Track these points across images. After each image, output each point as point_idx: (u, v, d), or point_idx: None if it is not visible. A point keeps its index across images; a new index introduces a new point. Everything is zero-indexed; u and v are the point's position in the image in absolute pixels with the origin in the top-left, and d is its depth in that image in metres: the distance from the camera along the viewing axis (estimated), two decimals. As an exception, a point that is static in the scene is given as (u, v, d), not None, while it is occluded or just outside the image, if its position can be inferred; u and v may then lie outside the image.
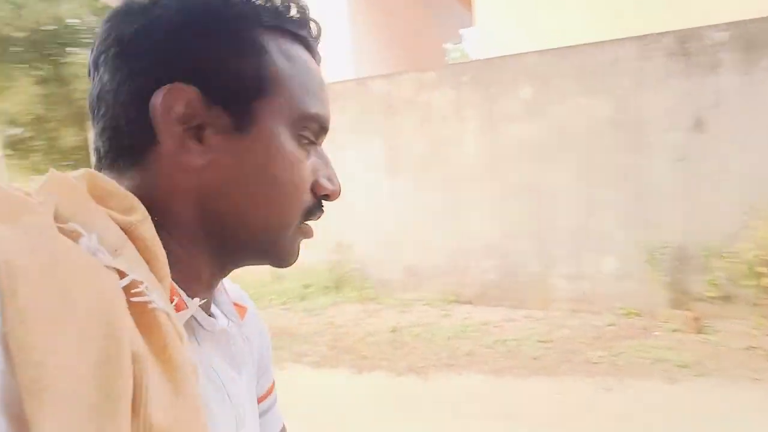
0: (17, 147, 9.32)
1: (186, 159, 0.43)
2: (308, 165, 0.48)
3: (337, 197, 0.52)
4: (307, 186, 0.49)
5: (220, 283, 0.52)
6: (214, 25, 0.43)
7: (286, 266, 0.51)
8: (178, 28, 0.43)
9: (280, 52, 0.46)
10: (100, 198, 0.37)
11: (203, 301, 0.45)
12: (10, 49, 8.71)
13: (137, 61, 0.43)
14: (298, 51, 0.48)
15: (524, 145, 5.05)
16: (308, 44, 0.50)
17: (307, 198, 0.49)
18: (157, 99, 0.41)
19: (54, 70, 8.98)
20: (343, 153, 5.90)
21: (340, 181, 0.52)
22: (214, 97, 0.43)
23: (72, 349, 0.27)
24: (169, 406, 0.31)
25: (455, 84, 5.40)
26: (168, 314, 0.33)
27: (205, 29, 0.43)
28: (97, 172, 0.40)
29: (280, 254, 0.50)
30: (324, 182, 0.50)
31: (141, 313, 0.32)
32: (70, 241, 0.31)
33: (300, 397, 3.50)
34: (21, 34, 8.83)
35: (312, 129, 0.49)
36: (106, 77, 0.44)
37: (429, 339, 4.33)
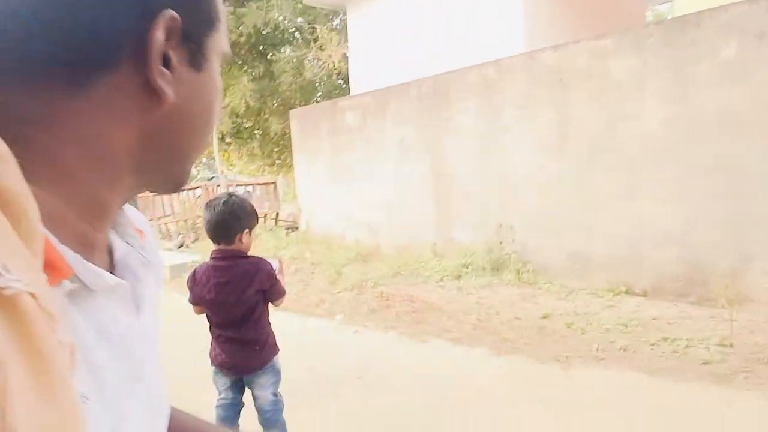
0: (238, 135, 11.06)
1: (162, 88, 0.39)
2: None
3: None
4: None
5: None
6: None
7: (175, 192, 0.52)
8: None
9: None
10: None
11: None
12: (235, 52, 10.33)
13: None
14: None
15: (719, 116, 4.26)
16: None
17: None
18: (153, 21, 0.38)
19: (266, 68, 10.38)
20: (508, 133, 5.71)
21: None
22: (184, 27, 0.41)
23: None
24: (37, 411, 0.26)
25: (637, 49, 4.78)
26: (33, 294, 0.27)
27: None
28: None
29: (183, 182, 0.50)
30: None
31: None
32: None
33: (437, 371, 3.55)
34: (242, 39, 10.39)
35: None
36: None
37: (582, 329, 3.98)
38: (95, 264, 0.38)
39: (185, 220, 10.11)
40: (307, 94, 10.29)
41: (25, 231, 0.28)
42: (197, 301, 2.25)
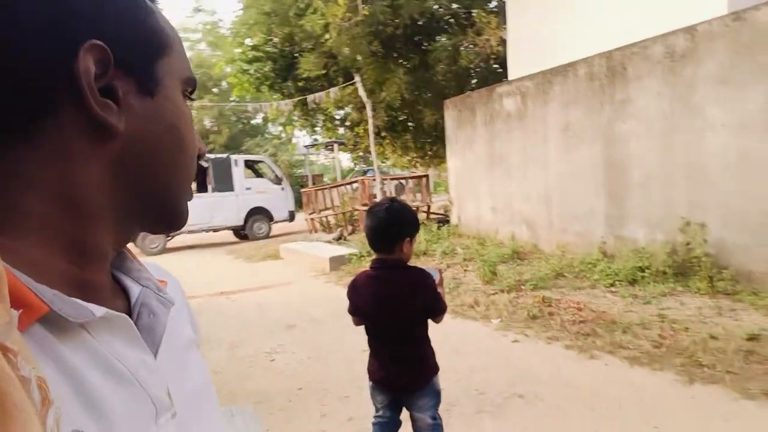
0: (392, 129, 11.16)
1: (110, 123, 0.39)
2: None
3: (203, 158, 0.52)
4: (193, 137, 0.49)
5: (126, 254, 0.51)
6: None
7: (177, 230, 0.51)
8: None
9: (158, 12, 0.46)
10: None
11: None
12: (390, 45, 10.38)
13: (33, 14, 0.37)
14: (160, 11, 0.47)
15: None
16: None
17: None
18: (76, 57, 0.37)
19: (421, 59, 10.28)
20: (701, 113, 4.81)
21: None
22: (119, 57, 0.40)
23: None
24: None
25: None
26: None
27: None
28: None
29: (179, 217, 0.49)
30: (199, 144, 0.51)
31: None
32: None
33: (611, 393, 3.07)
34: (398, 32, 10.41)
35: (188, 91, 0.49)
36: None
37: (808, 359, 3.15)
38: (99, 304, 0.39)
39: (343, 213, 10.52)
40: (462, 82, 9.97)
41: None
42: (356, 311, 2.14)
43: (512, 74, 7.99)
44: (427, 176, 10.40)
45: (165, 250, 12.15)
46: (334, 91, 9.97)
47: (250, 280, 7.70)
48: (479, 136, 8.19)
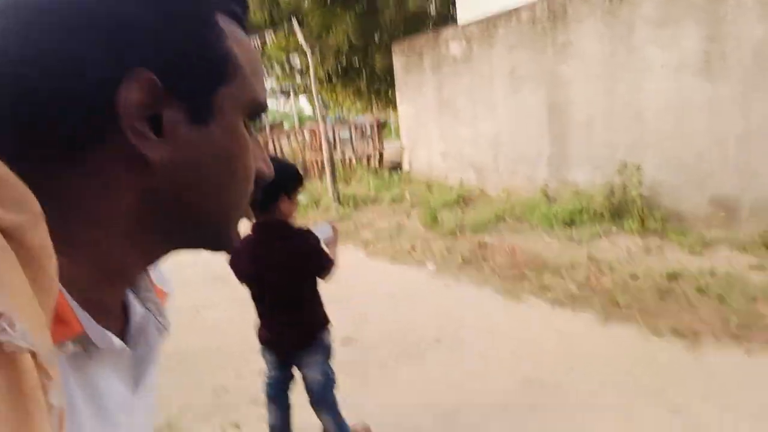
0: (346, 74, 10.78)
1: (143, 153, 0.38)
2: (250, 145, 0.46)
3: (270, 178, 0.49)
4: (252, 165, 0.46)
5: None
6: (174, 5, 0.39)
7: (225, 251, 0.49)
8: (135, 4, 0.37)
9: (231, 35, 0.43)
10: None
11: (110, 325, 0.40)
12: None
13: (79, 33, 0.36)
14: (241, 33, 0.45)
15: None
16: (243, 23, 0.46)
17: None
18: (119, 87, 0.36)
19: (368, 4, 9.83)
20: (640, 55, 4.73)
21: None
22: (174, 84, 0.38)
23: None
24: None
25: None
26: (34, 353, 0.27)
27: (165, 8, 0.38)
28: None
29: (228, 241, 0.48)
30: (262, 166, 0.48)
31: None
32: None
33: (530, 336, 3.10)
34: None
35: (256, 116, 0.47)
36: (27, 46, 0.36)
37: (720, 296, 3.23)
38: (103, 326, 0.38)
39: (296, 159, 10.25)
40: (411, 26, 9.61)
41: (40, 285, 0.29)
42: (241, 278, 2.03)
43: (462, 19, 7.70)
44: (379, 122, 10.16)
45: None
46: (270, 37, 9.55)
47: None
48: (428, 81, 7.97)
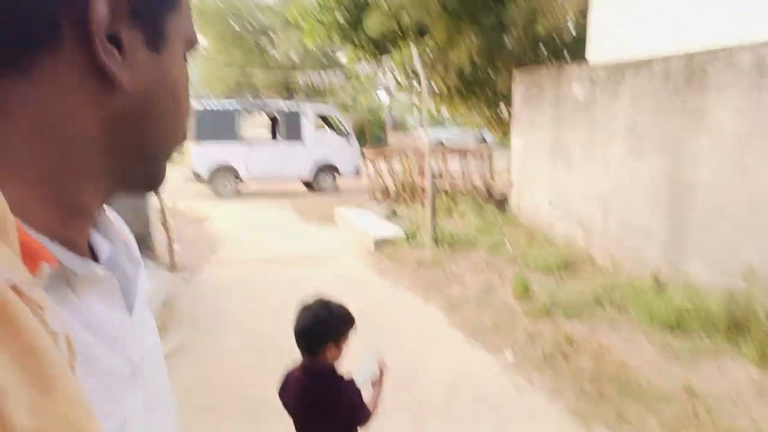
0: (470, 89, 10.44)
1: (113, 73, 0.37)
2: None
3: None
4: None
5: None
6: None
7: (155, 189, 0.48)
8: None
9: None
10: None
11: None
12: (465, 6, 9.49)
13: None
14: None
15: None
16: None
17: None
18: None
19: (495, 19, 9.40)
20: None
21: None
22: (133, 4, 0.38)
23: None
24: (35, 405, 0.26)
25: None
26: (16, 287, 0.27)
27: None
28: None
29: (161, 177, 0.47)
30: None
31: None
32: None
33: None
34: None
35: (189, 50, 0.46)
36: None
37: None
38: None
39: (402, 184, 10.24)
40: (537, 52, 9.02)
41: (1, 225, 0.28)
42: (285, 407, 2.13)
43: (590, 53, 7.09)
44: (490, 150, 9.80)
45: (236, 195, 12.72)
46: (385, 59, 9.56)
47: (297, 245, 7.91)
48: (544, 118, 7.49)
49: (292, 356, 2.09)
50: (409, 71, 11.65)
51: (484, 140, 24.16)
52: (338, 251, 7.56)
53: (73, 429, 0.27)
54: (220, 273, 6.55)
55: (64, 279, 0.36)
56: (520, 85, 8.23)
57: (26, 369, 0.26)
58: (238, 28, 24.44)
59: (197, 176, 12.42)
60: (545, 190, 7.48)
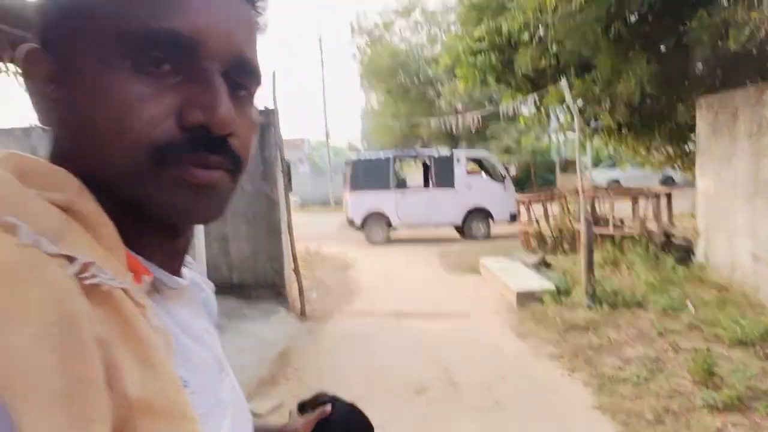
0: (642, 123, 9.04)
1: (49, 117, 0.44)
2: (147, 96, 0.41)
3: (220, 127, 0.42)
4: (145, 121, 0.41)
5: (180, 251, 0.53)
6: None
7: (178, 221, 0.47)
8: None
9: None
10: (27, 179, 0.36)
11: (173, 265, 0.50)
12: (632, 27, 8.31)
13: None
14: None
15: None
16: None
17: (158, 133, 0.42)
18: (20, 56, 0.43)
19: (675, 40, 8.00)
20: None
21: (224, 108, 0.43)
22: (47, 47, 0.43)
23: (30, 346, 0.28)
24: (143, 380, 0.33)
25: None
26: (126, 289, 0.35)
27: None
28: (20, 153, 0.39)
29: (159, 206, 0.44)
30: (191, 112, 0.42)
31: (97, 295, 0.33)
32: (8, 237, 0.31)
33: None
34: (643, 9, 8.27)
35: (154, 49, 0.41)
36: None
37: None
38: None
39: (560, 229, 9.11)
40: (726, 74, 7.35)
41: (107, 243, 0.37)
42: None
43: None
44: (669, 194, 8.15)
45: (387, 241, 12.80)
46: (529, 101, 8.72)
47: (434, 297, 7.36)
48: (741, 151, 5.94)
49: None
50: (566, 108, 10.63)
51: (672, 180, 21.27)
52: (476, 306, 6.78)
53: (170, 399, 0.34)
54: (346, 325, 6.23)
55: (157, 288, 0.45)
56: (705, 113, 6.76)
57: (136, 352, 0.33)
58: (406, 82, 25.38)
59: (351, 223, 12.81)
60: (746, 238, 5.84)
